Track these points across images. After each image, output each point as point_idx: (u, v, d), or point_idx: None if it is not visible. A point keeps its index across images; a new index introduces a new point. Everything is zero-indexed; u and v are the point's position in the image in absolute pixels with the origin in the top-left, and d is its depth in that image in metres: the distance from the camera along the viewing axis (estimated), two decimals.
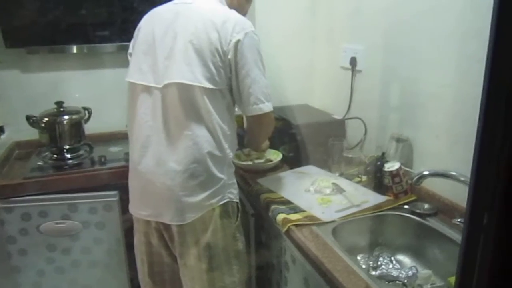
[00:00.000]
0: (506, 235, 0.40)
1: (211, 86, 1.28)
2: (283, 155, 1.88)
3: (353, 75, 1.90)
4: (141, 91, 1.35)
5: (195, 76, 1.26)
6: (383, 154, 1.59)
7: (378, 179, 1.55)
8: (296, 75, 2.18)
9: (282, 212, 1.41)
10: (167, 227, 1.37)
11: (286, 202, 1.50)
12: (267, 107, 1.35)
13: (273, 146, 1.87)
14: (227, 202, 1.37)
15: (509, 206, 0.40)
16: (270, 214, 1.46)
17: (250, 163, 1.85)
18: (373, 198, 1.51)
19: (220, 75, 1.29)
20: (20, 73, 2.01)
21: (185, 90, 1.27)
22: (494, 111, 0.37)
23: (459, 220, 1.33)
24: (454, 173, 1.24)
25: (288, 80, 2.15)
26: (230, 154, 1.38)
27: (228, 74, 1.31)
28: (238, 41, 1.27)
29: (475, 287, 0.42)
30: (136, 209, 1.42)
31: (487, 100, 0.38)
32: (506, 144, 0.39)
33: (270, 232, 1.57)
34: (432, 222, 1.37)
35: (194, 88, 1.27)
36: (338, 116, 1.93)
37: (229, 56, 1.28)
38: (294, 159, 1.86)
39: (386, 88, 1.72)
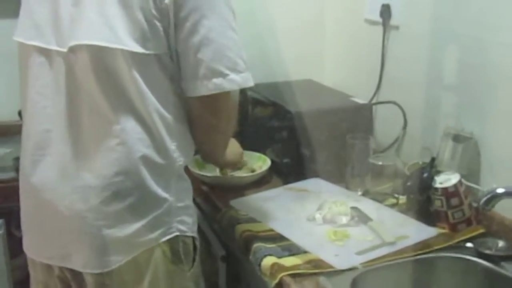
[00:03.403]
0: None
1: (141, 50, 1.25)
2: (272, 161, 1.88)
3: (385, 34, 1.91)
4: (36, 58, 1.34)
5: (115, 34, 1.24)
6: (433, 160, 1.59)
7: (424, 201, 1.57)
8: (295, 34, 2.19)
9: (270, 254, 1.42)
10: (78, 276, 1.36)
11: (278, 238, 1.51)
12: (233, 81, 1.31)
13: (256, 147, 1.87)
14: (176, 237, 1.36)
15: None
16: (251, 257, 1.46)
17: (218, 174, 1.84)
18: (417, 232, 1.53)
19: (155, 31, 1.26)
20: None
21: (101, 57, 1.26)
22: None
23: None
24: None
25: (282, 42, 2.15)
26: (181, 159, 1.36)
27: (168, 29, 1.28)
28: None
29: None
30: (31, 248, 1.42)
31: None
32: None
33: (251, 285, 1.58)
34: (510, 269, 1.38)
35: (116, 54, 1.25)
36: (360, 100, 1.93)
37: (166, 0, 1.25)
38: (291, 168, 1.87)
39: (438, 55, 1.73)
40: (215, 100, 1.33)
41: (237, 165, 1.81)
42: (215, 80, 1.29)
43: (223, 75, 1.29)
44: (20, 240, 1.46)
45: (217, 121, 1.43)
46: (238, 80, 1.31)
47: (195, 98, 1.33)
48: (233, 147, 1.70)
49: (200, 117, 1.42)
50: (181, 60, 1.31)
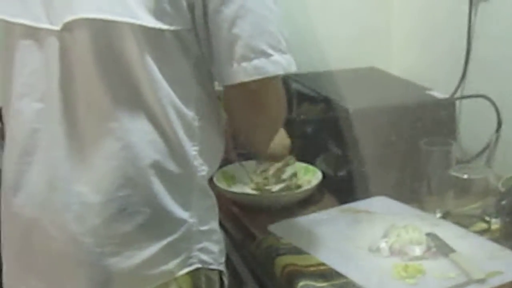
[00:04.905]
0: None
1: (158, 25, 1.25)
2: (323, 174, 1.89)
3: (472, 6, 1.89)
4: (22, 39, 1.33)
5: (124, 4, 1.23)
6: None
7: None
8: (351, 7, 2.21)
9: None
10: None
11: (331, 275, 1.49)
12: (278, 64, 1.31)
13: (303, 156, 1.87)
14: (198, 270, 1.35)
15: None
16: None
17: (254, 191, 1.86)
18: None
19: (176, 1, 1.26)
20: None
21: (105, 36, 1.25)
22: None
23: None
24: None
25: (334, 18, 2.18)
26: (204, 168, 1.36)
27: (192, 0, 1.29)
28: None
29: None
30: (13, 281, 1.43)
31: None
32: None
33: None
34: None
35: (124, 31, 1.25)
36: (440, 93, 1.91)
37: None
38: (347, 183, 1.87)
39: None
40: (258, 88, 1.32)
41: (282, 158, 1.82)
42: (256, 61, 1.28)
43: (266, 55, 1.29)
44: None
45: (261, 115, 1.44)
46: (283, 62, 1.31)
47: (232, 86, 1.32)
48: (280, 138, 1.73)
49: (238, 110, 1.44)
50: (212, 38, 1.30)
